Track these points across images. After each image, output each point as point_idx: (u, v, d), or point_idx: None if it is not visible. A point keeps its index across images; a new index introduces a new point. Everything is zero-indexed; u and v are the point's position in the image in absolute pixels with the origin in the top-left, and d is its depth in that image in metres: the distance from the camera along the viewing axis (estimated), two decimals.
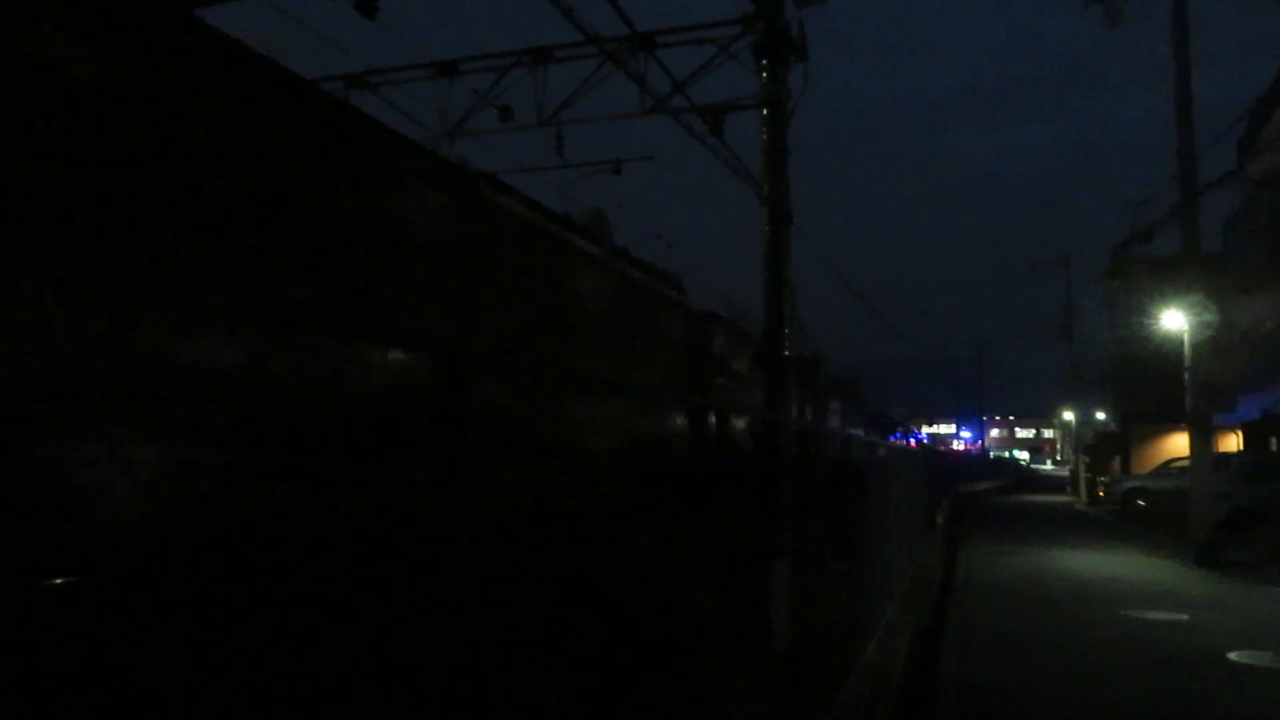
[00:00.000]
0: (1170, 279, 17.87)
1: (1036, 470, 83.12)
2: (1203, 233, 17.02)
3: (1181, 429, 19.85)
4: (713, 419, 3.88)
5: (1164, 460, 28.70)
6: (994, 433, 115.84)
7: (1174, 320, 17.28)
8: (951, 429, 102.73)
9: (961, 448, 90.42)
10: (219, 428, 3.08)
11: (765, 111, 10.76)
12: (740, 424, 4.50)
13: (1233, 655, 8.43)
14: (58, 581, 2.16)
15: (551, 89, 11.94)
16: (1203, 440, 16.37)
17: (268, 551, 2.67)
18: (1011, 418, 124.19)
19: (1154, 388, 27.04)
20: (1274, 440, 23.99)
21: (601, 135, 12.03)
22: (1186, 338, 16.60)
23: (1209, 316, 16.45)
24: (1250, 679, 7.65)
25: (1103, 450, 40.33)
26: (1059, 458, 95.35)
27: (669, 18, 12.11)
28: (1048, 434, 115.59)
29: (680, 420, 3.83)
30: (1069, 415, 50.26)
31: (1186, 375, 16.46)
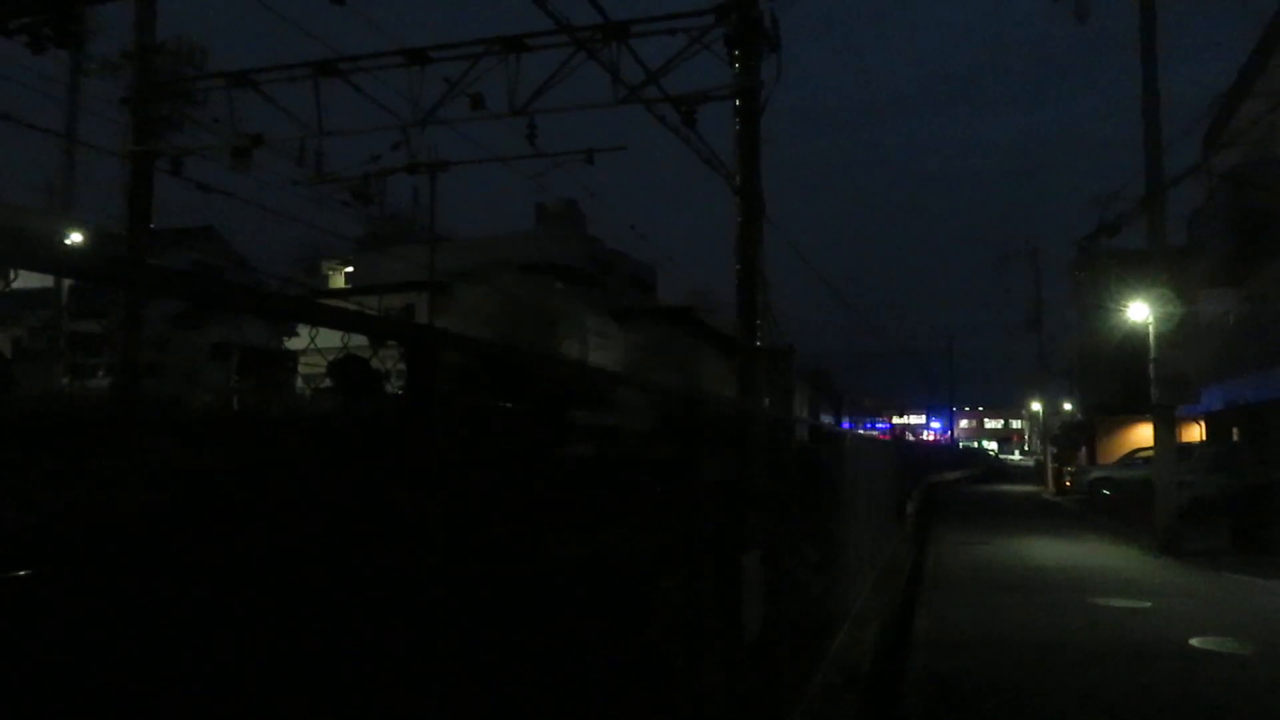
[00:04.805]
0: (1136, 272, 18.06)
1: (1005, 461, 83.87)
2: (1168, 226, 17.26)
3: (1146, 420, 20.13)
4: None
5: (1129, 451, 29.12)
6: (963, 423, 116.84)
7: (1139, 313, 17.50)
8: (922, 419, 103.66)
9: (932, 438, 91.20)
10: None
11: (738, 102, 10.76)
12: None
13: (1194, 641, 8.58)
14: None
15: (524, 78, 11.87)
16: (1167, 431, 16.61)
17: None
18: (981, 408, 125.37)
19: (1120, 379, 27.35)
20: (1236, 431, 24.41)
21: (574, 125, 11.98)
22: (1151, 330, 16.81)
23: (1174, 309, 16.67)
24: (1211, 664, 7.79)
25: (1069, 441, 40.85)
26: (1027, 448, 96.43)
27: (642, 7, 12.06)
28: (1016, 425, 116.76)
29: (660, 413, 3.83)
30: (1037, 406, 50.91)
31: (1151, 367, 16.67)
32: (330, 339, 1.66)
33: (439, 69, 12.20)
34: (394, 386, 1.92)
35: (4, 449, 1.87)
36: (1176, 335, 16.78)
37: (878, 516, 13.31)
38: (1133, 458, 26.64)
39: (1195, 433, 27.14)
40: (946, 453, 63.33)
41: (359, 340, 1.67)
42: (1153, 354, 16.70)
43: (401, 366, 1.76)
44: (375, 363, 1.93)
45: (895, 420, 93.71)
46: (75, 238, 17.35)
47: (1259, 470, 17.81)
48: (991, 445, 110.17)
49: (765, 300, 11.21)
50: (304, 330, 1.71)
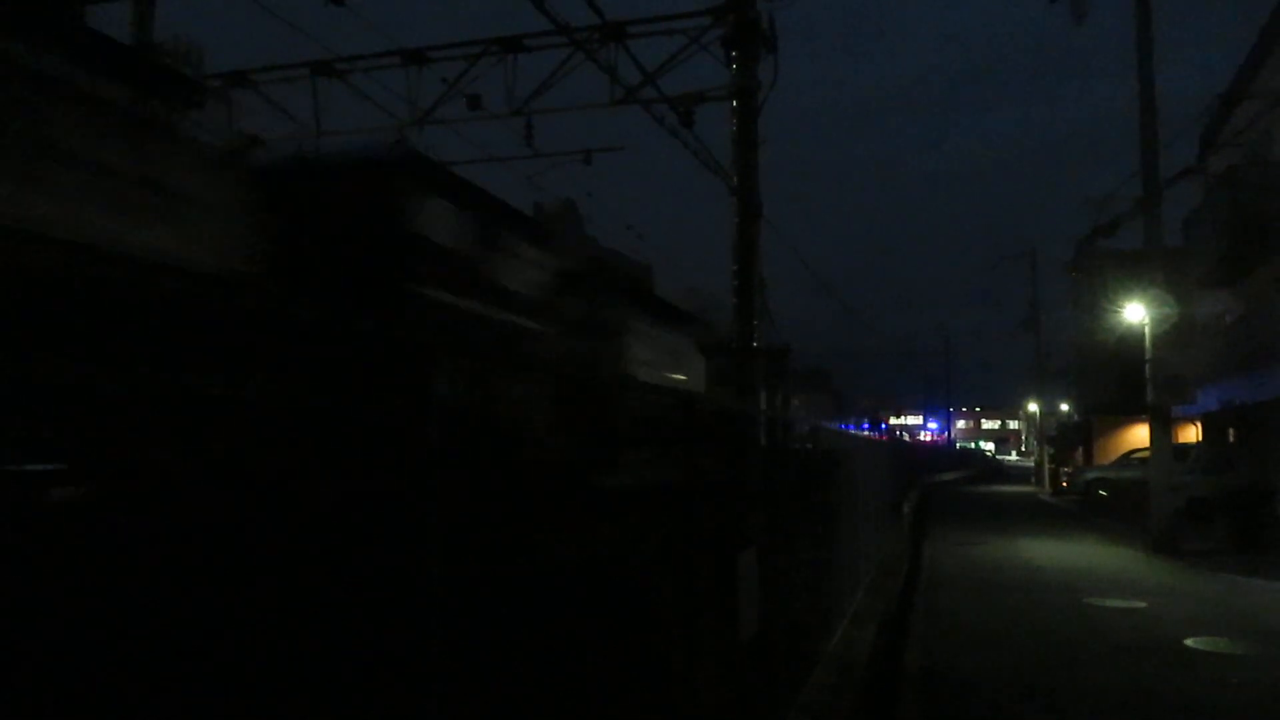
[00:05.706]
0: (1132, 272, 18.08)
1: (1002, 461, 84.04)
2: (1164, 227, 17.27)
3: (1142, 421, 20.16)
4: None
5: (1125, 451, 29.16)
6: (960, 424, 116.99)
7: (1136, 313, 17.53)
8: (919, 420, 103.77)
9: (929, 439, 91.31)
10: None
11: (735, 103, 10.77)
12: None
13: (1189, 641, 8.61)
14: None
15: (521, 78, 11.88)
16: (1163, 432, 16.64)
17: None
18: (978, 409, 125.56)
19: (1116, 380, 27.38)
20: (1232, 432, 24.44)
21: (571, 125, 12.03)
22: (1148, 331, 16.84)
23: (1170, 310, 16.69)
24: (1206, 664, 7.82)
25: (1066, 441, 40.93)
26: (1024, 449, 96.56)
27: (640, 7, 12.08)
28: (1013, 425, 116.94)
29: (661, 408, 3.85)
30: (1034, 407, 50.93)
31: (1148, 368, 16.70)
32: None
33: (436, 69, 12.22)
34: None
35: None
36: (1173, 336, 16.81)
37: (875, 516, 13.32)
38: (1129, 458, 26.67)
39: (1191, 433, 27.17)
40: (943, 453, 63.41)
41: None
42: (1148, 355, 16.73)
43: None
44: None
45: (892, 420, 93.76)
46: None
47: (1255, 471, 17.86)
48: (988, 446, 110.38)
49: (762, 300, 11.22)
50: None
